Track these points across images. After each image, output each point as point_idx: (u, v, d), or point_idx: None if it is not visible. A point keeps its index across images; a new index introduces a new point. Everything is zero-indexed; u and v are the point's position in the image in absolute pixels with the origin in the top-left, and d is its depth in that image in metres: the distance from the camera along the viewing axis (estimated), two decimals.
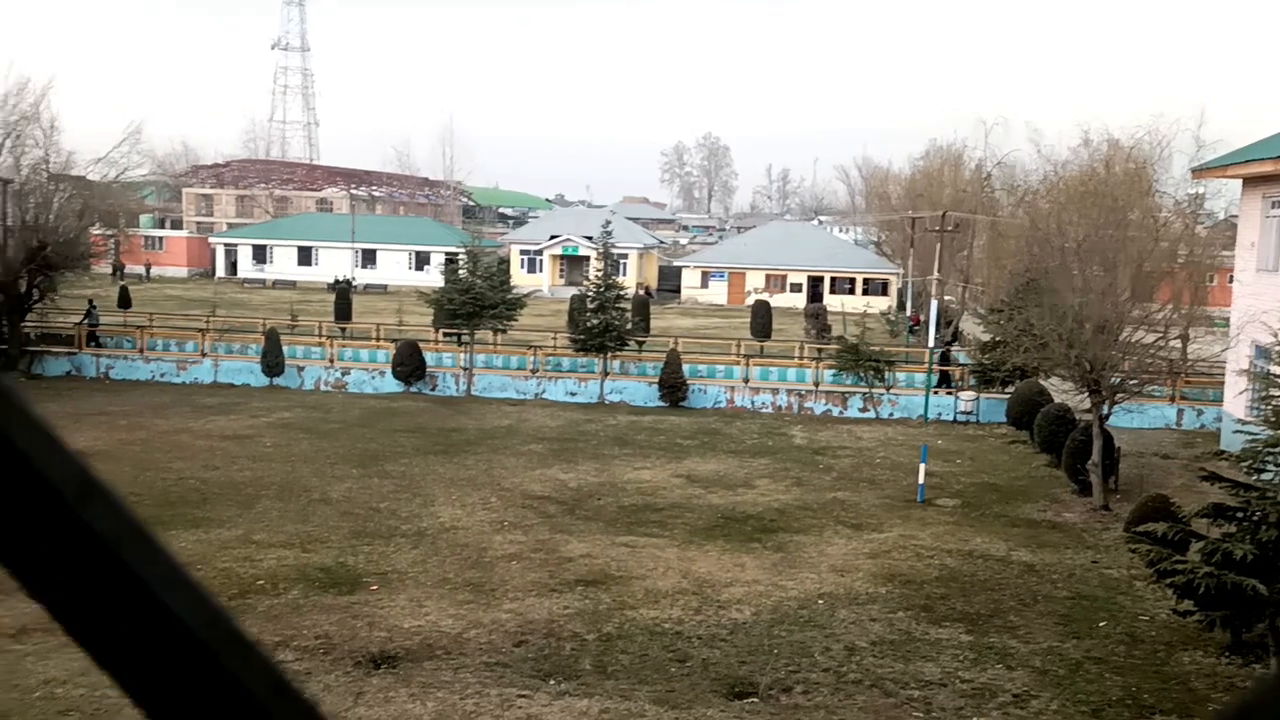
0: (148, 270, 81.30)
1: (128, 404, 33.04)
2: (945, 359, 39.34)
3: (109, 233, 57.78)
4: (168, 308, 54.72)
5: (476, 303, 37.30)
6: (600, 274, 38.43)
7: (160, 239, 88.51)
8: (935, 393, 36.08)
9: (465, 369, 37.73)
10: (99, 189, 45.78)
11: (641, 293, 63.79)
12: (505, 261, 64.99)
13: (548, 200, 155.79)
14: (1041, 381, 31.52)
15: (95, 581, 0.52)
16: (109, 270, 69.01)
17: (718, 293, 77.76)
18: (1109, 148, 32.26)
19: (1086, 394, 24.89)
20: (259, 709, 0.52)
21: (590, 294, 38.76)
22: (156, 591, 0.52)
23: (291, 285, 77.91)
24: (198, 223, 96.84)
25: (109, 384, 37.26)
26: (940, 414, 35.66)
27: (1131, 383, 24.89)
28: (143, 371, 38.62)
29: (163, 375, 38.51)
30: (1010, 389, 34.11)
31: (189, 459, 26.43)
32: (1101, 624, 17.27)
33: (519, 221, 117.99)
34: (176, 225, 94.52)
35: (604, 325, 36.95)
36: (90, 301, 41.36)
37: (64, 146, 42.80)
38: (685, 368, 36.93)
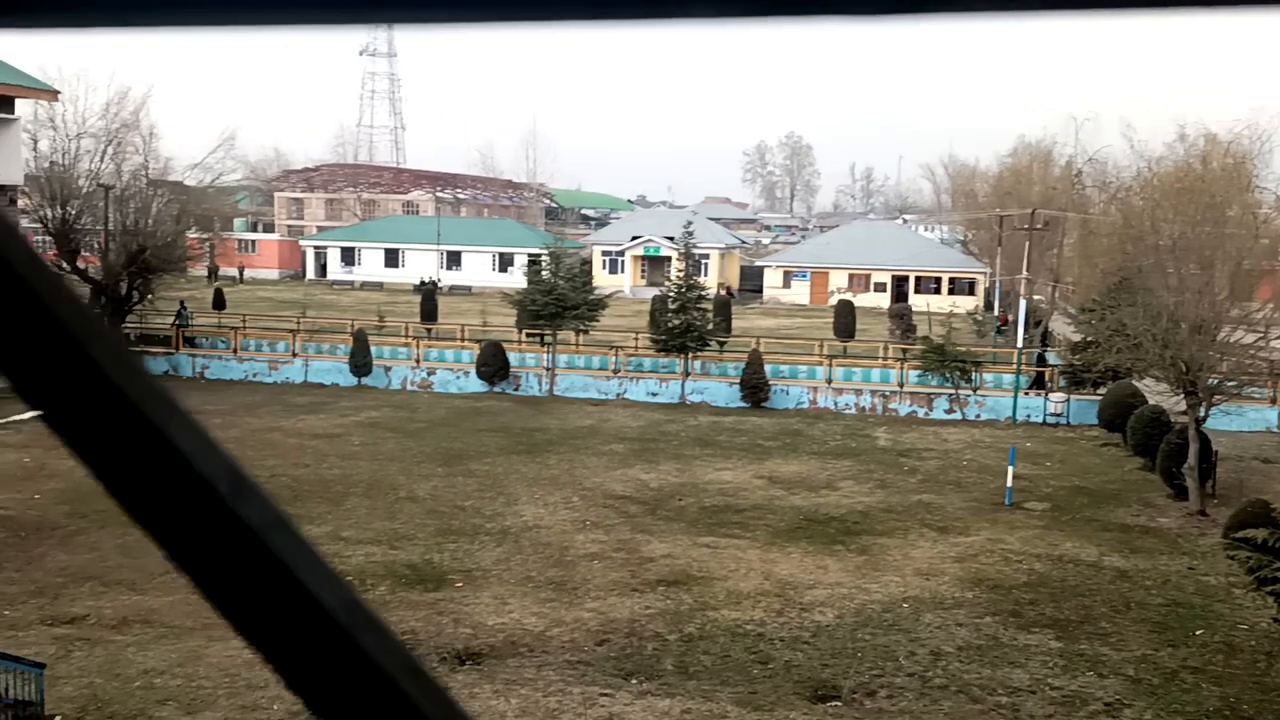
0: (241, 273, 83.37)
1: (222, 403, 33.94)
2: (1042, 360, 38.51)
3: (204, 236, 59.37)
4: (260, 309, 56.10)
5: (559, 304, 37.56)
6: (681, 274, 38.42)
7: (253, 242, 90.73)
8: (1030, 394, 35.36)
9: (548, 369, 38.02)
10: (195, 194, 47.06)
11: (723, 293, 63.63)
12: (587, 263, 65.34)
13: (629, 201, 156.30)
14: (1135, 383, 30.72)
15: (247, 568, 0.56)
16: (205, 273, 70.95)
17: (800, 293, 77.20)
18: (1206, 142, 31.32)
19: (1182, 396, 24.20)
20: (392, 685, 0.56)
21: (671, 294, 38.78)
22: (301, 578, 0.56)
23: (379, 287, 79.29)
24: (288, 226, 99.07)
25: (204, 383, 38.31)
26: (1029, 416, 34.97)
27: (1230, 384, 24.15)
28: (236, 371, 39.63)
29: (255, 375, 39.47)
30: (1102, 390, 33.30)
31: (280, 457, 27.05)
32: (1198, 632, 16.78)
33: (601, 223, 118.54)
34: (268, 229, 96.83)
35: (685, 325, 36.94)
36: (181, 303, 42.54)
37: (162, 153, 44.07)
38: (767, 368, 36.75)
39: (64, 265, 41.42)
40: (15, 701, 12.97)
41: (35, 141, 39.93)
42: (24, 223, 39.50)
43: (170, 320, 42.08)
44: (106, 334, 0.59)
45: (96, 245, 40.74)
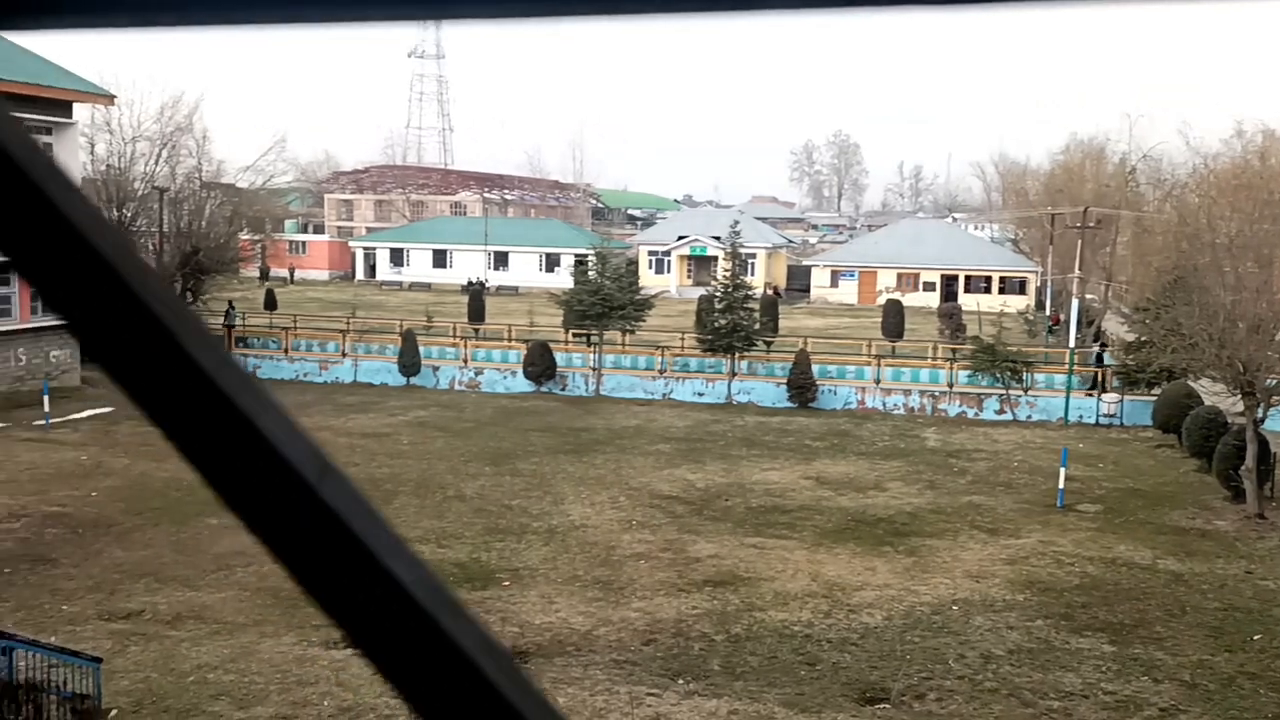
0: (291, 274, 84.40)
1: None
2: (1100, 360, 37.93)
3: (256, 238, 60.25)
4: (310, 310, 56.76)
5: (605, 304, 37.63)
6: (728, 274, 38.34)
7: (303, 243, 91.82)
8: (1090, 394, 34.86)
9: (594, 369, 38.11)
10: (247, 196, 47.83)
11: (770, 292, 63.38)
12: (633, 263, 65.42)
13: (676, 201, 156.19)
14: (1191, 384, 30.19)
15: (332, 550, 0.59)
16: (256, 274, 71.89)
17: (848, 292, 76.75)
18: (1264, 138, 30.73)
19: (1239, 396, 23.74)
20: (470, 664, 0.58)
21: (718, 294, 38.71)
22: (383, 559, 0.58)
23: (427, 287, 79.91)
24: (338, 227, 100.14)
25: None
26: (1081, 417, 34.49)
27: None
28: (287, 371, 40.11)
29: (306, 375, 39.94)
30: (1156, 391, 32.77)
31: (330, 456, 27.29)
32: (1256, 637, 16.46)
33: (647, 223, 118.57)
34: (319, 230, 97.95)
35: (732, 325, 36.86)
36: (230, 304, 43.13)
37: (215, 155, 44.84)
38: (815, 368, 36.56)
39: None
40: (74, 694, 13.22)
41: (92, 145, 40.75)
42: None
43: (219, 321, 42.70)
44: (199, 328, 0.61)
45: (151, 247, 41.45)
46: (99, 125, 40.80)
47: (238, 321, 43.67)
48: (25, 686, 12.53)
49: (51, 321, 35.04)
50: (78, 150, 36.96)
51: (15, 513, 21.67)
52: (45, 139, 34.86)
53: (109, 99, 38.18)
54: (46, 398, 31.08)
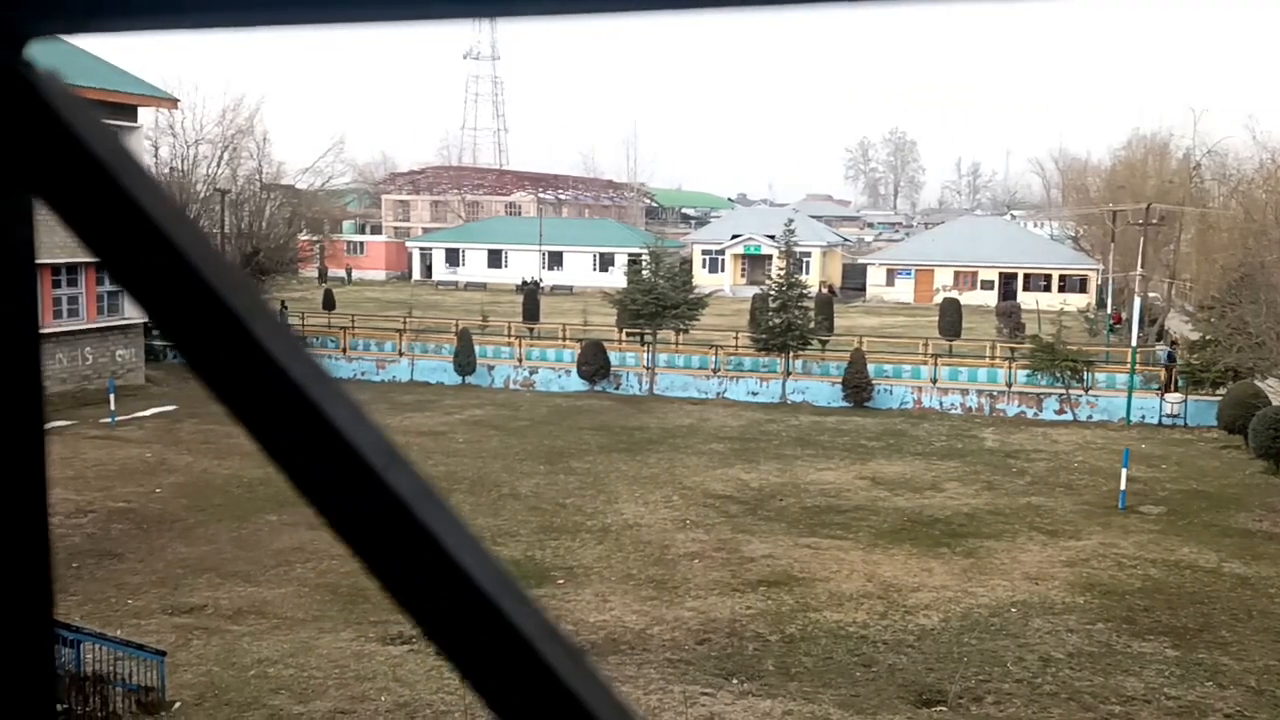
0: (348, 273, 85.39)
1: None
2: (1172, 359, 37.20)
3: (315, 238, 61.14)
4: (367, 309, 57.41)
5: (659, 303, 37.64)
6: (782, 273, 38.17)
7: (361, 244, 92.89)
8: (1156, 394, 34.22)
9: (648, 368, 38.14)
10: (306, 197, 48.49)
11: (825, 291, 63.01)
12: (687, 262, 65.36)
13: (730, 200, 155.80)
14: (1258, 383, 29.53)
15: (398, 536, 0.61)
16: (315, 274, 72.86)
17: (904, 291, 76.03)
18: None
19: None
20: (531, 649, 0.59)
21: (772, 293, 38.56)
22: (447, 545, 0.60)
23: (482, 287, 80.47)
24: (395, 228, 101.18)
25: None
26: (1144, 417, 33.88)
27: None
28: (345, 370, 40.61)
29: (363, 374, 40.40)
30: (1221, 391, 32.09)
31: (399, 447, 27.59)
32: None
33: (701, 222, 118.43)
34: (376, 230, 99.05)
35: (786, 324, 36.69)
36: (282, 303, 43.71)
37: (275, 158, 45.54)
38: (870, 367, 36.28)
39: None
40: (139, 687, 13.50)
41: (156, 148, 41.53)
42: None
43: None
44: (273, 319, 0.63)
45: None
46: (163, 128, 41.64)
47: (292, 321, 44.24)
48: (92, 678, 12.81)
49: (118, 321, 35.82)
50: (142, 153, 37.72)
51: (83, 508, 22.17)
52: None
53: (173, 102, 38.93)
54: (112, 396, 31.76)
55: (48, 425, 0.67)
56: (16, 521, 0.65)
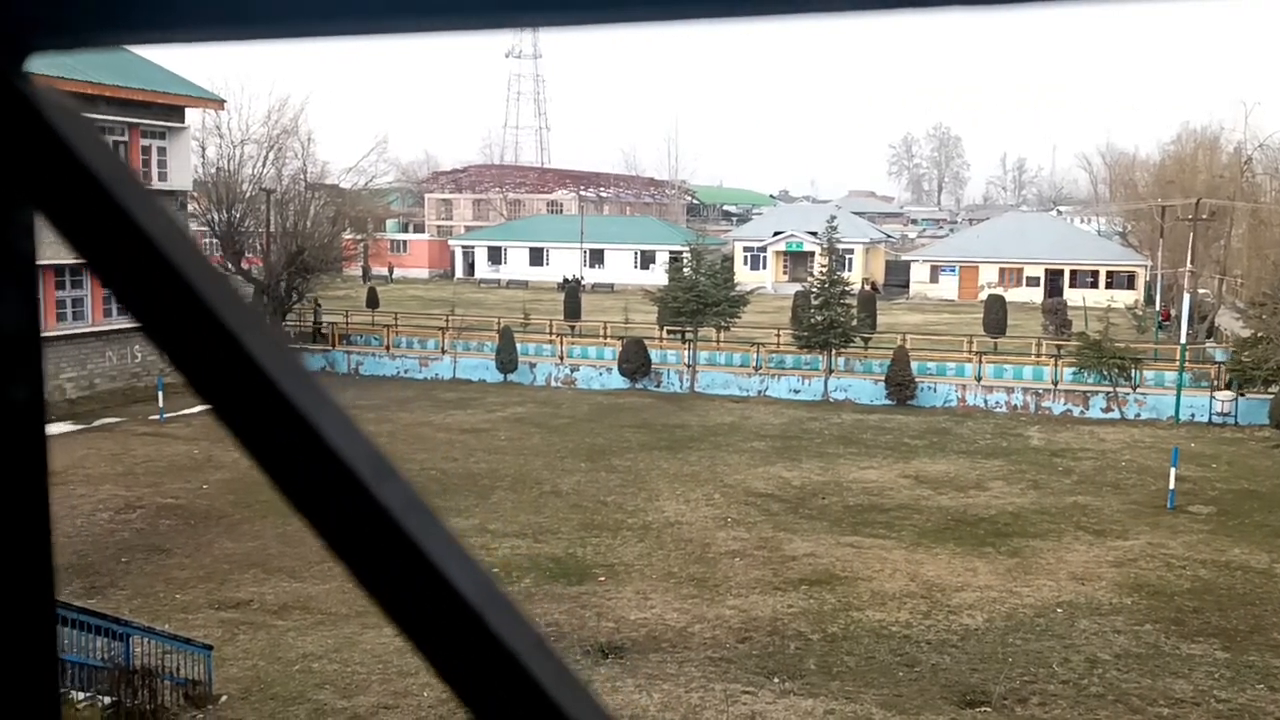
0: (390, 271, 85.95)
1: (375, 398, 35.11)
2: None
3: (359, 237, 61.58)
4: (410, 307, 57.82)
5: (700, 300, 37.58)
6: (824, 270, 37.96)
7: (404, 242, 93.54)
8: (1219, 394, 33.63)
9: (689, 366, 38.10)
10: (350, 196, 48.85)
11: (867, 288, 62.61)
12: (729, 259, 65.14)
13: (771, 197, 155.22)
14: None
15: (386, 549, 0.61)
16: (359, 273, 73.44)
17: (948, 288, 75.36)
18: None
19: None
20: (519, 664, 0.59)
21: (814, 290, 38.36)
22: (436, 562, 0.61)
23: (524, 285, 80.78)
24: (438, 226, 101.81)
25: (358, 379, 39.70)
26: (1193, 415, 33.35)
27: None
28: (389, 368, 40.92)
29: (406, 371, 40.69)
30: (1274, 389, 31.51)
31: (430, 451, 27.83)
32: None
33: (742, 219, 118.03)
34: (419, 229, 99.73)
35: (828, 322, 36.49)
36: (316, 302, 43.98)
37: (319, 157, 45.89)
38: (913, 365, 36.01)
39: (229, 266, 43.56)
40: (186, 680, 13.69)
41: (203, 149, 42.06)
42: (193, 226, 41.68)
43: (328, 319, 43.72)
44: (266, 331, 0.63)
45: (259, 247, 42.64)
46: (210, 129, 42.15)
47: (324, 320, 44.37)
48: (141, 672, 13.01)
49: None
50: (189, 154, 38.22)
51: (132, 504, 22.52)
52: (160, 143, 36.15)
53: (219, 104, 39.41)
54: (161, 393, 32.23)
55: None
56: (19, 521, 0.67)
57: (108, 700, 12.67)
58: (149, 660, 13.28)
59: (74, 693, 12.58)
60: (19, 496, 0.66)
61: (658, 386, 38.03)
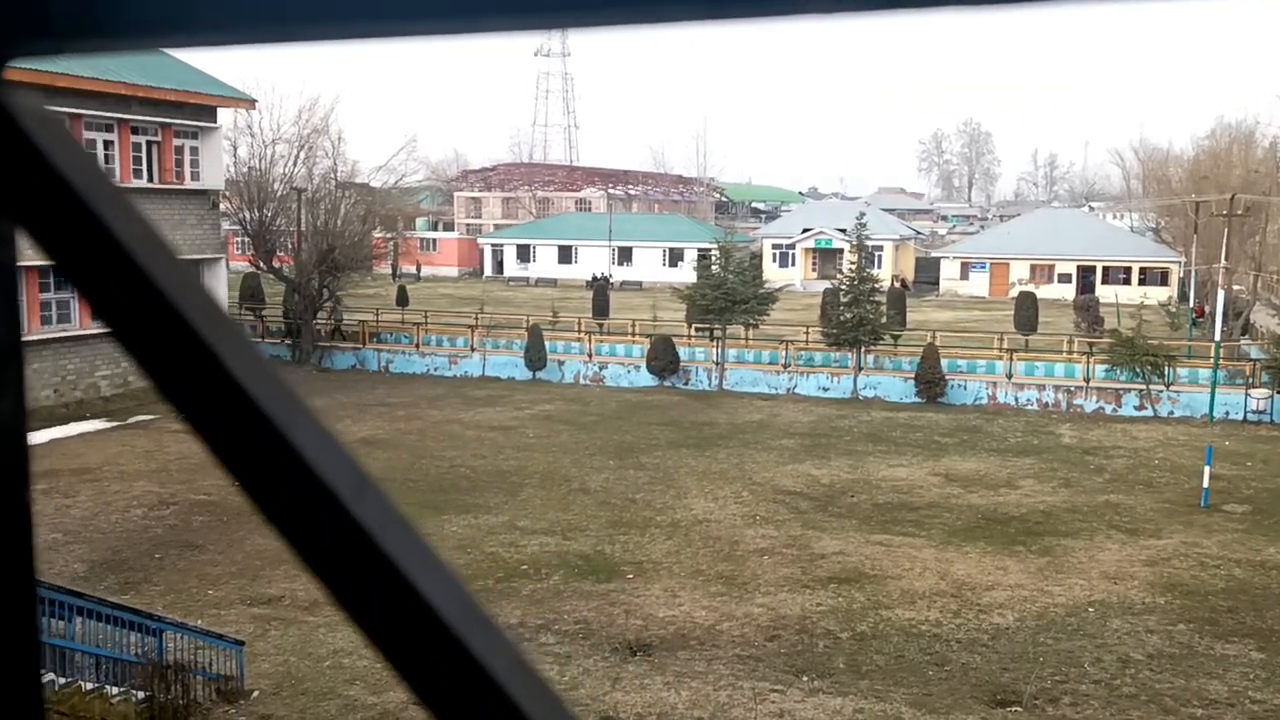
0: (418, 269, 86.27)
1: (405, 396, 35.30)
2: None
3: (389, 235, 61.85)
4: (440, 306, 58.07)
5: (728, 298, 37.51)
6: (854, 267, 37.80)
7: (433, 241, 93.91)
8: (1247, 391, 33.28)
9: (717, 364, 38.05)
10: (380, 195, 49.07)
11: (897, 285, 62.28)
12: (757, 256, 64.97)
13: (800, 194, 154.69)
14: None
15: (363, 568, 0.60)
16: (389, 271, 73.82)
17: (978, 285, 74.83)
18: None
19: None
20: (496, 685, 0.58)
21: (843, 287, 38.20)
22: (414, 580, 0.60)
23: (553, 283, 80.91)
24: (467, 225, 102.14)
25: (389, 377, 39.92)
26: (1228, 413, 32.97)
27: None
28: (418, 365, 41.11)
29: (436, 369, 40.87)
30: None
31: (460, 448, 27.94)
32: None
33: (771, 216, 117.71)
34: (448, 227, 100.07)
35: (857, 319, 36.34)
36: (337, 300, 43.95)
37: (350, 156, 46.12)
38: (944, 362, 35.79)
39: (261, 264, 43.90)
40: (218, 675, 13.82)
41: (235, 148, 42.39)
42: (225, 225, 42.02)
43: (359, 317, 43.93)
44: (242, 342, 0.62)
45: (290, 245, 42.92)
46: (241, 129, 42.48)
47: (346, 318, 44.31)
48: (174, 667, 13.14)
49: None
50: (221, 153, 38.54)
51: (165, 500, 22.75)
52: (192, 143, 36.47)
53: (250, 103, 39.71)
54: None
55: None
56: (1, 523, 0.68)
57: (141, 695, 12.81)
58: (182, 655, 13.41)
59: (108, 687, 12.73)
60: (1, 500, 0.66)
61: (686, 384, 38.01)
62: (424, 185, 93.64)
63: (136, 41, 0.63)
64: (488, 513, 22.12)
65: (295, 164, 43.05)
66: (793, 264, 79.29)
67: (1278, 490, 24.50)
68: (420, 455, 27.01)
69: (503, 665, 0.59)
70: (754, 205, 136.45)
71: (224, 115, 38.92)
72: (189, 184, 36.17)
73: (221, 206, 40.22)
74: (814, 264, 79.07)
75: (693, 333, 42.26)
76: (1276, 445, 29.35)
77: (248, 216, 42.70)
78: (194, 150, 36.52)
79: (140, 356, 0.63)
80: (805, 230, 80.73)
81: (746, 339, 40.64)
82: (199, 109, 36.39)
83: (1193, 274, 56.92)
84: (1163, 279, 70.12)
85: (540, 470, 25.75)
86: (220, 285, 37.78)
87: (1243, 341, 42.94)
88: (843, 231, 65.97)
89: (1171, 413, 33.63)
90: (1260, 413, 32.64)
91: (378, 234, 50.56)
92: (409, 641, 0.59)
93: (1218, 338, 35.49)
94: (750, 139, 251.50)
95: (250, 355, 0.62)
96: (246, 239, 43.86)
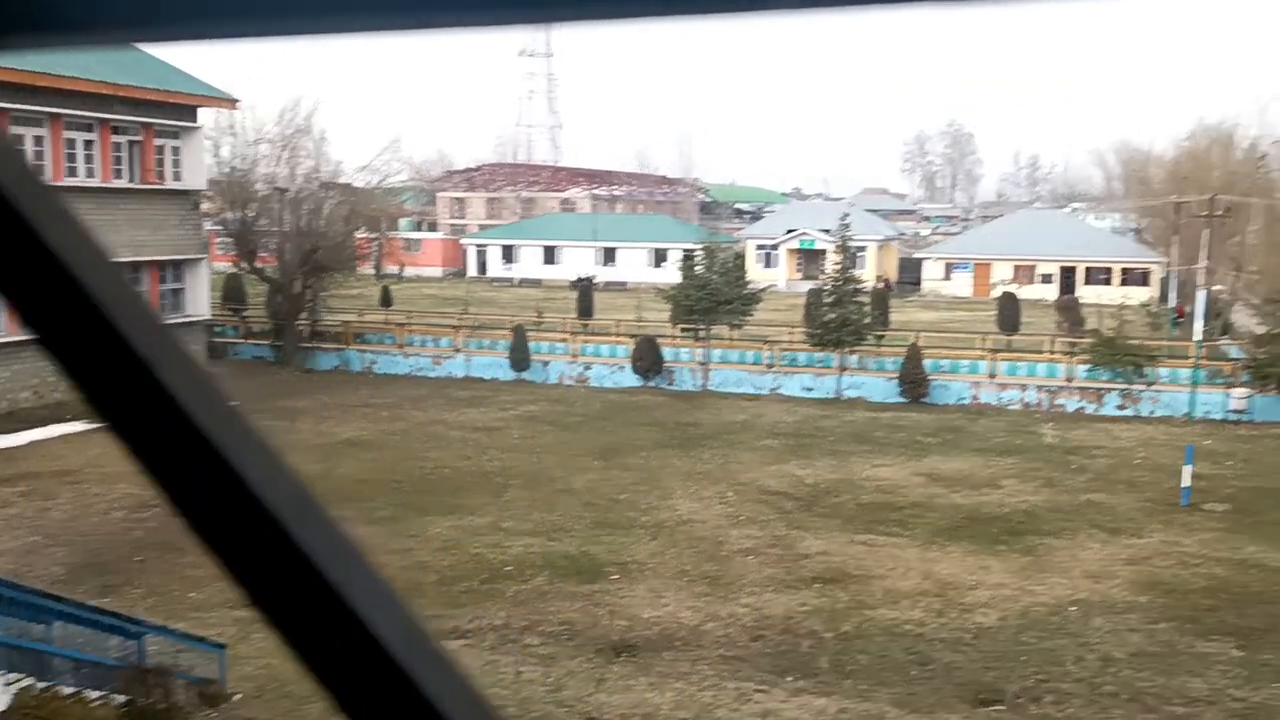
0: (401, 270, 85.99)
1: (389, 396, 35.20)
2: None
3: (372, 236, 61.67)
4: (424, 306, 57.93)
5: (713, 298, 37.55)
6: (837, 267, 37.89)
7: (417, 241, 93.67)
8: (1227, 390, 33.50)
9: (702, 364, 38.08)
10: (363, 195, 48.89)
11: (880, 286, 62.42)
12: (741, 257, 65.05)
13: (784, 195, 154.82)
14: None
15: (306, 598, 0.57)
16: (373, 271, 73.57)
17: (962, 285, 75.12)
18: None
19: None
20: (440, 718, 0.56)
21: (827, 288, 38.29)
22: (360, 611, 0.57)
23: (537, 284, 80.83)
24: (451, 225, 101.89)
25: (373, 378, 39.80)
26: (1208, 412, 33.19)
27: None
28: (402, 366, 41.00)
29: (420, 370, 40.76)
30: None
31: (444, 449, 27.88)
32: None
33: (755, 217, 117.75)
34: (432, 228, 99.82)
35: (841, 319, 36.42)
36: (312, 298, 43.60)
37: (333, 156, 45.87)
38: (926, 363, 35.92)
39: (244, 265, 43.68)
40: (200, 679, 13.75)
41: (217, 148, 42.17)
42: (207, 225, 41.80)
43: (342, 318, 43.77)
44: (179, 355, 0.60)
45: (273, 246, 42.73)
46: (223, 129, 42.24)
47: (324, 319, 43.92)
48: (155, 670, 13.07)
49: (178, 319, 36.46)
50: (203, 153, 38.34)
51: (146, 503, 22.61)
52: (174, 142, 36.27)
53: (232, 103, 39.50)
54: None
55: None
56: None
57: (121, 699, 12.73)
58: (163, 659, 13.33)
59: (87, 692, 12.65)
60: None
61: (670, 384, 38.03)
62: (408, 185, 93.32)
63: (101, 36, 0.61)
64: (472, 514, 22.08)
65: (278, 164, 42.86)
66: (777, 264, 79.42)
67: (1257, 489, 24.68)
68: (404, 456, 26.94)
69: (452, 699, 0.56)
70: (738, 206, 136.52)
71: (205, 115, 38.72)
72: (171, 184, 35.96)
73: (204, 207, 40.01)
74: (798, 264, 79.22)
75: (677, 333, 42.29)
76: (1256, 444, 29.56)
77: (230, 217, 42.49)
78: (175, 150, 36.31)
79: (70, 367, 0.60)
80: (789, 231, 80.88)
81: (731, 339, 40.69)
82: (180, 108, 36.19)
83: (1173, 274, 57.28)
84: (1144, 279, 70.53)
85: (525, 471, 25.71)
86: (203, 286, 37.61)
87: (1223, 341, 43.23)
88: (826, 232, 66.10)
89: (1153, 412, 33.83)
90: (1240, 412, 32.87)
91: (361, 234, 50.35)
92: (353, 676, 0.56)
93: (1198, 337, 35.71)
94: (735, 140, 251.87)
95: (187, 368, 0.60)
96: (229, 239, 43.64)
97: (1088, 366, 35.14)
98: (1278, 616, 16.84)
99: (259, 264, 42.91)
